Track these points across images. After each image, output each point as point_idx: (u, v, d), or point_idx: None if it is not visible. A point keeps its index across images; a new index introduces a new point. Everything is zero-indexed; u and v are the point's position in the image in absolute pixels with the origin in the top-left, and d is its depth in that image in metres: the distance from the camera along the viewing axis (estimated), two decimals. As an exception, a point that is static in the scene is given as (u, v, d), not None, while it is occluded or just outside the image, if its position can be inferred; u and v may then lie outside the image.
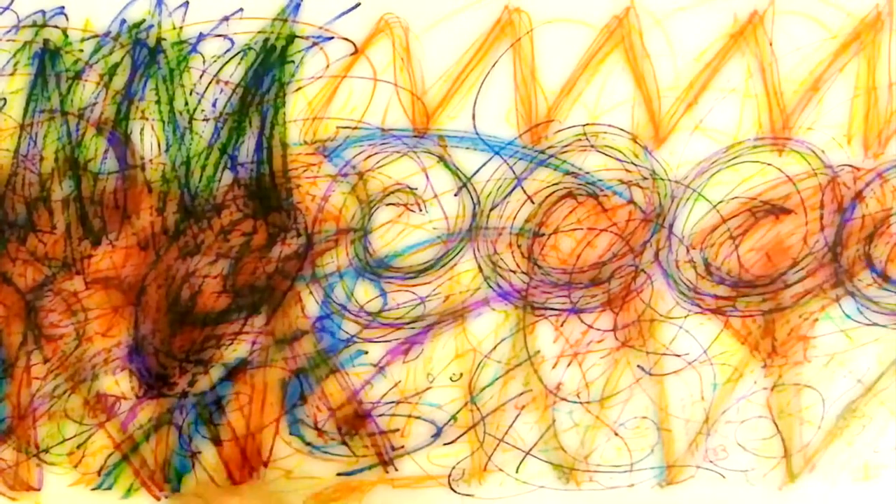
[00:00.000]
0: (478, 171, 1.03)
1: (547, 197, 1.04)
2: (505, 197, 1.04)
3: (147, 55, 0.98)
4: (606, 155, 1.03)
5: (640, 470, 1.13)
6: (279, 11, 0.98)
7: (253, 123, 1.00)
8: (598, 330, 1.08)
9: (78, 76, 0.98)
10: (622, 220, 1.05)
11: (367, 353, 1.07)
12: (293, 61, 0.99)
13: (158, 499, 1.09)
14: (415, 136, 1.02)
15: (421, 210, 1.04)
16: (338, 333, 1.06)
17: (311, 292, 1.05)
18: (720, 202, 1.05)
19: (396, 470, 1.11)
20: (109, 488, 1.08)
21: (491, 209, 1.04)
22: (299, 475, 1.09)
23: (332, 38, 0.99)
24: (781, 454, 1.14)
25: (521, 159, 1.03)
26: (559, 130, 1.03)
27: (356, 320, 1.06)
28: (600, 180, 1.04)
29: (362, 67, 1.00)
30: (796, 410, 1.12)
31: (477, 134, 1.02)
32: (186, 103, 0.99)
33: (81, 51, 0.97)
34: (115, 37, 0.97)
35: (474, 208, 1.04)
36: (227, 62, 0.99)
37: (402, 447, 1.10)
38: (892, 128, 1.05)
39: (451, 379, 1.08)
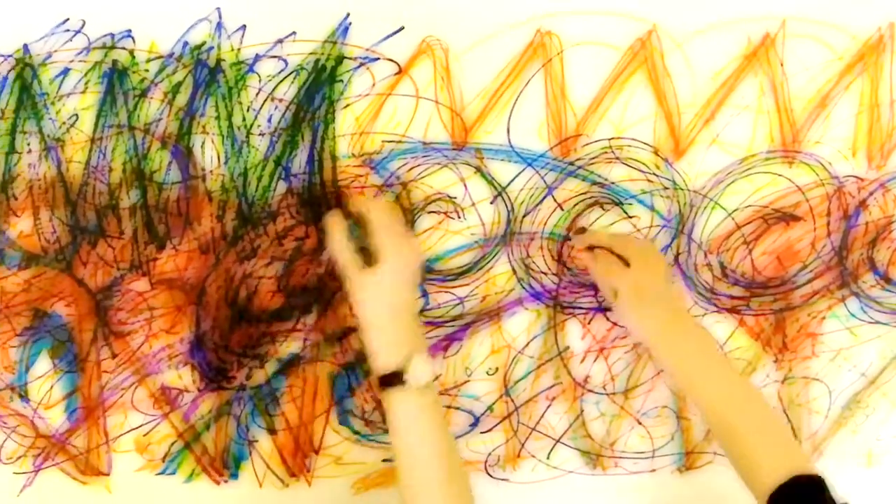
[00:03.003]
0: (512, 181, 0.99)
1: (576, 205, 1.01)
2: (537, 205, 1.00)
3: (208, 75, 0.94)
4: (630, 166, 1.00)
5: (661, 456, 1.10)
6: (329, 34, 0.93)
7: (305, 138, 0.96)
8: (623, 327, 1.05)
9: (144, 94, 0.94)
10: (645, 227, 1.02)
11: (410, 348, 1.03)
12: (342, 80, 0.95)
13: (218, 483, 1.05)
14: (454, 149, 0.98)
15: (460, 217, 1.00)
16: (383, 331, 1.03)
17: (358, 293, 1.01)
18: (735, 210, 1.02)
19: (437, 456, 1.08)
20: (173, 473, 1.05)
21: (524, 216, 1.01)
22: (348, 461, 1.06)
23: (378, 58, 0.95)
24: None
25: (551, 170, 0.99)
26: (587, 144, 0.99)
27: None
28: (625, 190, 1.01)
29: (406, 86, 0.96)
30: (805, 401, 1.10)
31: (511, 147, 0.98)
32: (244, 119, 0.95)
33: (147, 70, 0.93)
34: (179, 58, 0.93)
35: (509, 215, 1.00)
36: (281, 81, 0.94)
37: (443, 435, 1.08)
38: (893, 141, 1.02)
39: (487, 373, 1.05)
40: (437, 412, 0.86)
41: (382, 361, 0.85)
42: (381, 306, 0.86)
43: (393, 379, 0.84)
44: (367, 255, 0.87)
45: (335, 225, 0.90)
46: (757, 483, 0.85)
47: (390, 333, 0.86)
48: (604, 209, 1.00)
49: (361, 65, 0.94)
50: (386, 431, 1.02)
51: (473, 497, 0.86)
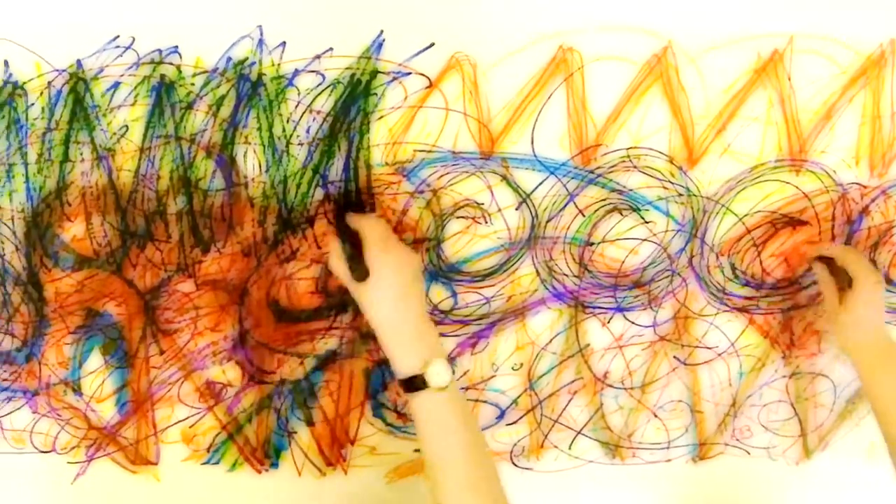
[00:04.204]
0: (536, 188, 0.99)
1: (596, 211, 1.01)
2: (559, 211, 1.00)
3: (250, 88, 0.94)
4: (647, 174, 1.00)
5: (676, 447, 1.11)
6: (364, 50, 0.93)
7: (341, 147, 0.96)
8: (640, 326, 1.05)
9: (190, 106, 0.94)
10: (661, 231, 1.02)
11: (440, 345, 1.04)
12: (376, 94, 0.95)
13: (259, 472, 1.06)
14: (481, 159, 0.98)
15: (487, 222, 1.00)
16: (415, 329, 1.02)
17: (391, 293, 1.01)
18: (745, 215, 1.02)
19: (466, 447, 1.08)
20: (217, 463, 1.06)
21: (547, 221, 1.00)
22: (381, 452, 1.07)
23: (410, 73, 0.94)
24: (799, 434, 1.12)
25: (573, 178, 0.99)
26: (606, 153, 0.99)
27: (431, 317, 1.00)
28: (642, 196, 1.01)
29: (436, 99, 0.95)
30: (811, 396, 1.11)
31: (535, 156, 0.98)
32: (284, 130, 0.95)
33: (193, 84, 0.93)
34: (222, 72, 0.93)
35: (533, 221, 1.00)
36: (318, 94, 0.94)
37: (471, 427, 1.07)
38: (894, 151, 1.02)
39: (512, 368, 1.05)
40: (460, 410, 0.85)
41: (400, 367, 0.85)
42: (383, 315, 0.86)
43: (413, 383, 0.83)
44: (365, 268, 0.87)
45: (331, 244, 0.92)
46: None
47: (401, 339, 0.86)
48: (622, 215, 1.00)
49: (394, 79, 0.94)
50: (417, 423, 1.06)
51: (504, 490, 0.85)
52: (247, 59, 0.93)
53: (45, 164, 0.94)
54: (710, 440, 1.11)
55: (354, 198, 0.97)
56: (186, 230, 0.97)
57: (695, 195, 1.01)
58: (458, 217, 1.00)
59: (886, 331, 1.00)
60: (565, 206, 1.00)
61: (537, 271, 1.02)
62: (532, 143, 0.97)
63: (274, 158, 0.96)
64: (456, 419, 0.84)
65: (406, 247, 0.90)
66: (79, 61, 0.92)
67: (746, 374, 1.08)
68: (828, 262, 1.03)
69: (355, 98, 0.95)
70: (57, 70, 0.92)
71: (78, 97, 0.93)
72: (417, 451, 1.06)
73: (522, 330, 1.04)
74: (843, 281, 1.00)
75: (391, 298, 0.86)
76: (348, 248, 0.89)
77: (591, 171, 0.99)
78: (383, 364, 1.03)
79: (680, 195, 1.00)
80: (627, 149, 0.98)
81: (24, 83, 0.92)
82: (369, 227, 0.89)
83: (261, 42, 0.92)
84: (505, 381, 1.06)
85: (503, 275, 1.02)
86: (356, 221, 0.91)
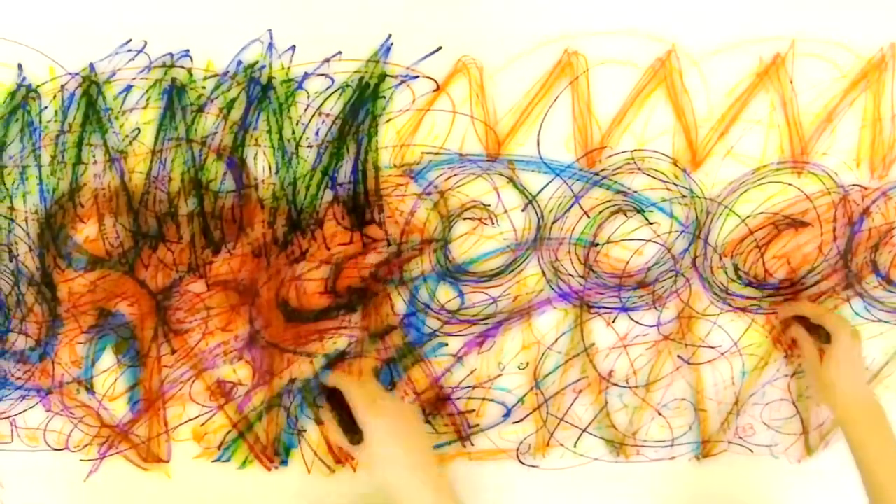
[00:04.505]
0: (541, 190, 0.99)
1: (601, 212, 1.01)
2: (565, 212, 1.00)
3: (260, 91, 0.94)
4: (651, 176, 1.00)
5: (679, 445, 1.11)
6: (372, 54, 0.94)
7: (350, 150, 0.96)
8: (644, 325, 1.05)
9: (201, 109, 0.94)
10: (665, 233, 1.02)
11: (447, 345, 1.04)
12: (384, 97, 0.95)
13: (269, 469, 1.07)
14: (488, 161, 0.98)
15: (493, 223, 1.00)
16: (422, 328, 1.03)
17: (399, 293, 1.01)
18: (748, 216, 1.02)
19: (472, 445, 1.08)
20: (227, 461, 1.06)
21: (553, 223, 1.01)
22: (390, 450, 1.07)
23: (418, 76, 0.95)
24: (800, 431, 1.12)
25: (578, 180, 0.99)
26: (611, 155, 0.99)
27: (438, 317, 1.03)
28: (646, 198, 1.01)
29: (443, 102, 0.96)
30: (813, 394, 1.10)
31: (541, 158, 0.98)
32: (293, 132, 0.96)
33: (204, 87, 0.94)
34: (233, 76, 0.93)
35: (538, 222, 1.00)
36: (327, 97, 0.95)
37: (478, 425, 1.08)
38: (894, 153, 1.02)
39: (518, 367, 1.06)
40: None
41: None
42: (387, 473, 0.86)
43: None
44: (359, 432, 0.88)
45: (325, 416, 0.93)
46: None
47: (409, 491, 0.85)
48: (626, 216, 1.01)
49: (402, 82, 0.94)
50: (426, 422, 1.06)
51: None
52: (257, 62, 0.93)
53: (59, 167, 0.95)
54: (714, 438, 1.11)
55: (362, 199, 0.98)
56: (197, 231, 0.98)
57: (698, 197, 1.01)
58: (464, 218, 1.00)
59: (868, 388, 1.01)
60: (570, 207, 1.00)
61: (543, 272, 1.02)
62: (538, 145, 0.98)
63: (284, 160, 0.96)
64: None
65: (398, 401, 0.90)
66: (91, 65, 0.92)
67: (749, 372, 1.08)
68: (802, 320, 1.04)
69: (364, 101, 0.95)
70: (70, 73, 0.93)
71: (91, 100, 0.93)
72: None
73: (528, 329, 1.04)
74: (822, 338, 1.01)
75: (392, 458, 0.86)
76: (338, 414, 0.91)
77: (596, 173, 0.99)
78: (391, 363, 1.03)
79: (683, 197, 1.01)
80: (632, 151, 0.99)
81: (38, 86, 0.93)
82: (354, 391, 0.89)
83: (271, 46, 0.93)
84: (511, 379, 1.06)
85: (509, 275, 1.02)
86: (336, 382, 0.92)
